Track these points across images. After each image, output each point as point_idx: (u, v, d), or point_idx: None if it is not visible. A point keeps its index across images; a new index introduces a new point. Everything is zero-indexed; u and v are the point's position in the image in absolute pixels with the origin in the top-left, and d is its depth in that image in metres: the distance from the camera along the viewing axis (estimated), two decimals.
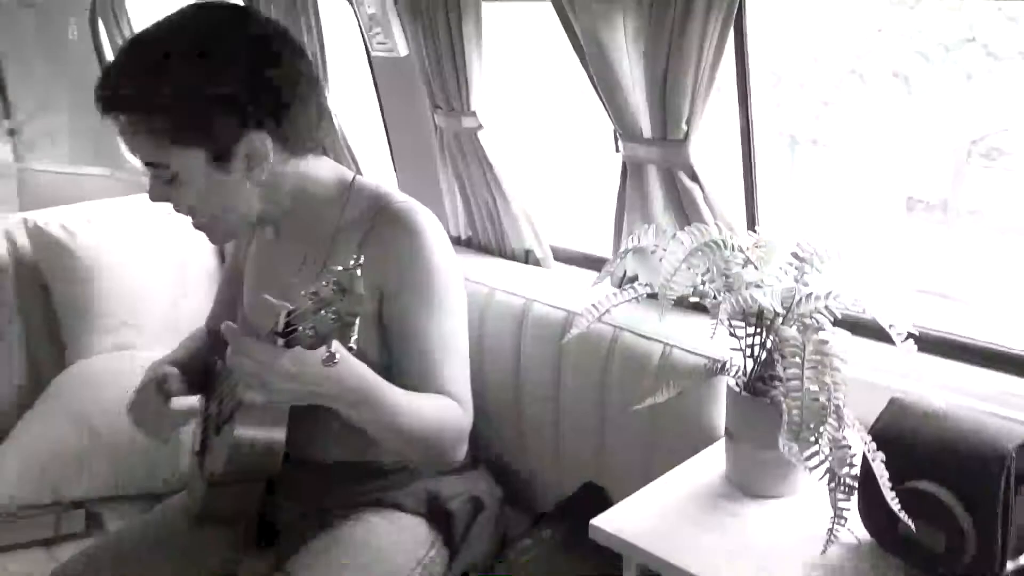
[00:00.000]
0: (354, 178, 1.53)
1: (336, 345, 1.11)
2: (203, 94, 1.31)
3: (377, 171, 2.47)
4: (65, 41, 3.31)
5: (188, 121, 1.32)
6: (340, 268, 1.08)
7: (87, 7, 3.32)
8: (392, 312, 1.46)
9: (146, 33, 1.36)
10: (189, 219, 1.44)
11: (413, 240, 1.45)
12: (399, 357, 1.47)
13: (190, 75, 1.30)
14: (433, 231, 1.48)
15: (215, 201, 1.40)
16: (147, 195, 1.41)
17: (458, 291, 1.52)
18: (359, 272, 1.07)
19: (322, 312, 1.08)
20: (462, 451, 1.51)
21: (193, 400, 1.58)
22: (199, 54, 1.31)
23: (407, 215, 1.47)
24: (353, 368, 1.29)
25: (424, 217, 1.48)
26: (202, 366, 1.66)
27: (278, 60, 1.36)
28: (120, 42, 3.10)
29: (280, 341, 1.17)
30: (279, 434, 1.40)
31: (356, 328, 1.09)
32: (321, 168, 1.50)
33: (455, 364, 1.49)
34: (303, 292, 1.11)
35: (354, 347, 1.10)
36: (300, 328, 1.12)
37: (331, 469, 1.57)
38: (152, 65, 1.31)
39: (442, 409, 1.45)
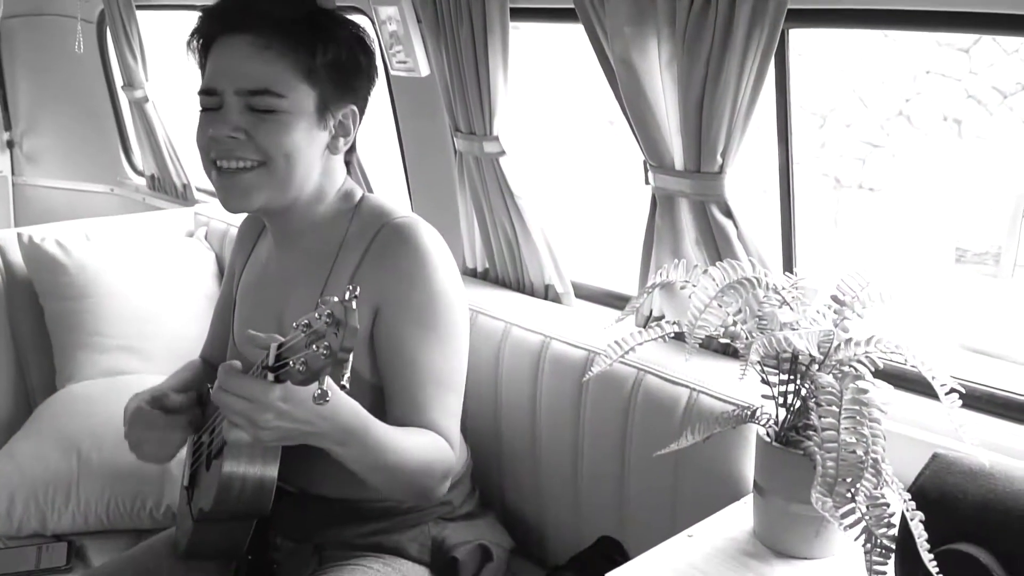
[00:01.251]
0: (363, 195, 1.56)
1: (328, 382, 1.11)
2: (356, 43, 1.48)
3: (388, 194, 2.49)
4: (70, 53, 3.36)
5: (331, 62, 1.44)
6: (335, 299, 1.09)
7: (95, 18, 3.39)
8: (386, 334, 1.46)
9: None
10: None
11: (414, 257, 1.46)
12: (390, 383, 1.47)
13: (349, 24, 1.49)
14: (436, 248, 1.49)
15: (290, 145, 1.43)
16: (198, 132, 1.45)
17: (460, 316, 1.52)
18: (354, 304, 1.08)
19: (314, 347, 1.09)
20: (444, 489, 1.50)
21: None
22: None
23: (408, 230, 1.48)
24: (344, 406, 1.30)
25: (427, 233, 1.49)
26: (195, 396, 1.67)
27: (374, 56, 1.55)
28: (129, 54, 3.15)
29: (270, 376, 1.18)
30: (271, 471, 1.40)
31: (349, 365, 1.09)
32: (341, 178, 1.55)
33: (449, 398, 1.49)
34: (295, 324, 1.12)
35: (347, 385, 1.11)
36: (291, 362, 1.12)
37: (330, 505, 1.56)
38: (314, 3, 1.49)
39: (430, 447, 1.44)
